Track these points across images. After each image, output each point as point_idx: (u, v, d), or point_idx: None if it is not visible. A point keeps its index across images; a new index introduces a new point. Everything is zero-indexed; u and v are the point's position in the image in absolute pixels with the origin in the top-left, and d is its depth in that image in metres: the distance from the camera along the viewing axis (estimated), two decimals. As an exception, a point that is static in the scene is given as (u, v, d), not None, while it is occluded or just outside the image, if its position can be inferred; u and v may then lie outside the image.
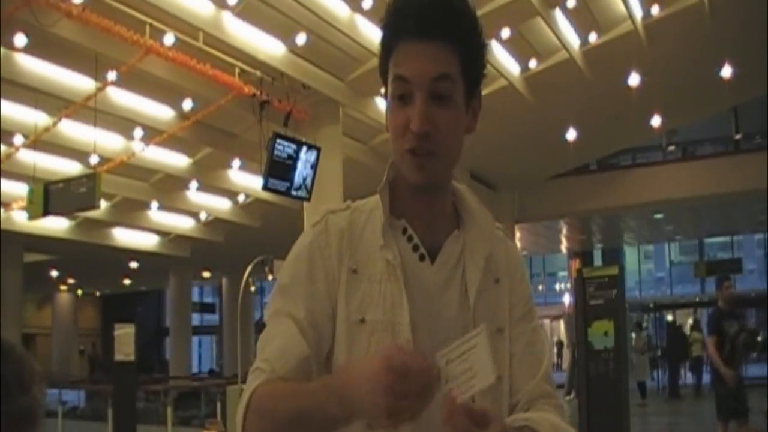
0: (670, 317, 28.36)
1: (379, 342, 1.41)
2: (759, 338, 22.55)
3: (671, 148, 18.99)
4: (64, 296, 29.59)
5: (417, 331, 1.41)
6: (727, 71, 11.52)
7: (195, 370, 28.78)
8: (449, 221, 1.52)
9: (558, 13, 10.28)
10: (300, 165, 10.19)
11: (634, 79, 11.15)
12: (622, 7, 10.28)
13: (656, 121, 13.53)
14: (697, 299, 27.82)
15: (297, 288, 1.46)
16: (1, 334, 1.29)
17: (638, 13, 10.67)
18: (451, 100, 1.39)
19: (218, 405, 13.78)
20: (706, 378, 19.77)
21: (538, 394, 1.50)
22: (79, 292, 29.95)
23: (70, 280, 26.96)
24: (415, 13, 1.39)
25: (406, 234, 1.48)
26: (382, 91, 1.43)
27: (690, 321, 24.70)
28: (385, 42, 1.44)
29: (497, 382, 1.42)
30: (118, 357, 11.47)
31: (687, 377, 21.02)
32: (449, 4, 1.39)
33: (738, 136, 18.49)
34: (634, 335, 19.88)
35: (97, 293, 32.73)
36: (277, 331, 1.43)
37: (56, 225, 14.85)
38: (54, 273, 23.78)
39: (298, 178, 10.24)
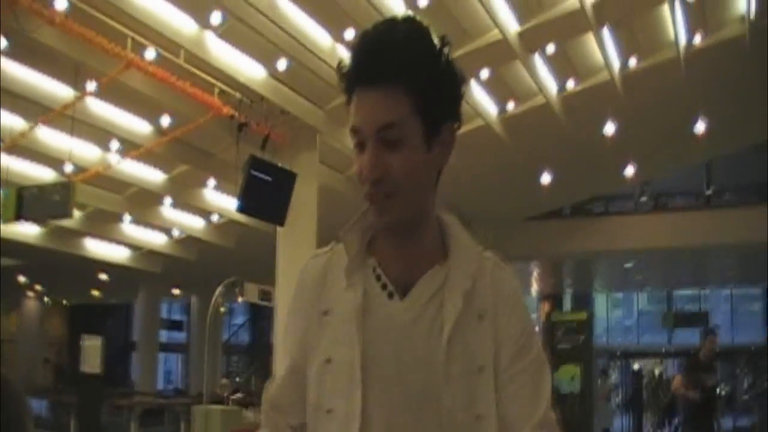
0: (636, 366, 28.45)
1: (338, 382, 1.45)
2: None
3: (643, 198, 19.19)
4: (31, 303, 29.24)
5: (372, 371, 1.43)
6: (700, 126, 11.69)
7: (160, 387, 28.52)
8: (430, 256, 1.50)
9: (537, 58, 10.44)
10: (278, 188, 10.23)
11: (609, 128, 11.30)
12: (600, 57, 10.45)
13: (630, 170, 13.68)
14: (664, 350, 27.94)
15: (289, 333, 1.58)
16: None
17: (616, 63, 10.84)
18: (404, 143, 1.40)
19: (182, 424, 13.70)
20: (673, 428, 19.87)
21: None
22: (47, 300, 29.67)
23: (38, 287, 26.71)
24: (360, 61, 1.41)
25: (375, 272, 1.50)
26: None
27: (657, 371, 24.81)
28: (344, 90, 1.46)
29: (476, 422, 1.44)
30: (85, 368, 11.40)
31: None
32: (391, 47, 1.39)
33: (709, 192, 18.74)
34: (599, 382, 19.92)
35: (65, 302, 32.38)
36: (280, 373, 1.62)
37: (27, 230, 14.77)
38: (22, 279, 23.57)
39: (274, 202, 10.28)
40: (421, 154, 1.43)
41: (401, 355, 1.44)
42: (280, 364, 1.64)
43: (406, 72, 1.39)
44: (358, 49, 1.43)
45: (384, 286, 1.48)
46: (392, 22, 1.43)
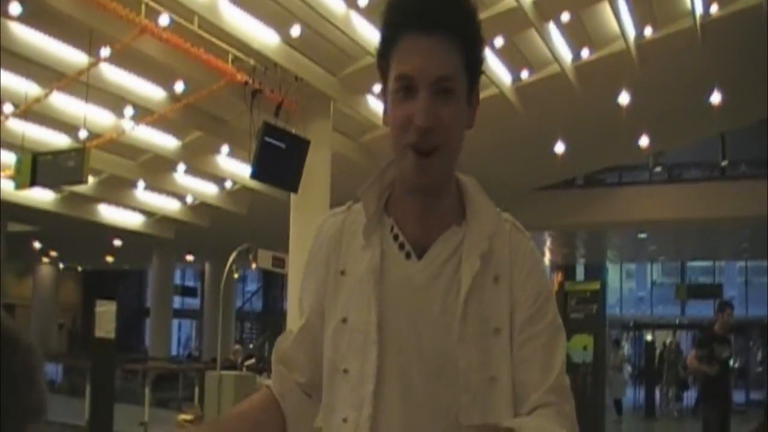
0: (649, 337, 28.50)
1: (353, 342, 1.45)
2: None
3: (657, 169, 19.11)
4: (45, 269, 29.50)
5: (387, 331, 1.43)
6: (716, 98, 11.59)
7: (174, 353, 28.80)
8: (449, 217, 1.49)
9: (552, 27, 10.36)
10: (291, 155, 10.26)
11: (624, 98, 11.23)
12: (615, 26, 10.37)
13: (644, 141, 13.62)
14: (677, 321, 27.94)
15: (304, 291, 1.59)
16: (5, 323, 1.18)
17: (631, 32, 10.75)
18: (455, 95, 1.39)
19: (196, 389, 13.82)
20: (688, 401, 19.96)
21: (540, 404, 1.44)
22: (61, 266, 29.89)
23: (53, 253, 26.89)
24: (417, 7, 1.38)
25: (393, 231, 1.49)
26: (375, 88, 1.47)
27: (668, 341, 24.84)
28: (385, 36, 1.43)
29: (490, 384, 1.43)
30: (99, 334, 11.50)
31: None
32: None
33: (724, 163, 18.64)
34: (612, 352, 19.97)
35: (79, 268, 32.63)
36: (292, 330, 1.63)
37: (41, 196, 14.84)
38: (36, 245, 23.73)
39: (287, 169, 10.30)
40: (464, 110, 1.44)
41: (418, 316, 1.44)
42: (294, 323, 1.65)
43: (462, 25, 1.40)
44: None
45: (401, 246, 1.48)
46: None
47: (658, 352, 22.79)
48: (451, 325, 1.43)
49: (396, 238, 1.48)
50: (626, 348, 27.58)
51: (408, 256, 1.47)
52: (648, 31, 10.84)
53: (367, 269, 1.46)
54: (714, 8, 10.49)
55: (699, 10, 10.36)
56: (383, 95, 1.47)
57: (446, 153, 1.40)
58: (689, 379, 19.25)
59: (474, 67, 1.43)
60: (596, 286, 14.79)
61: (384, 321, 1.43)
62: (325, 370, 1.51)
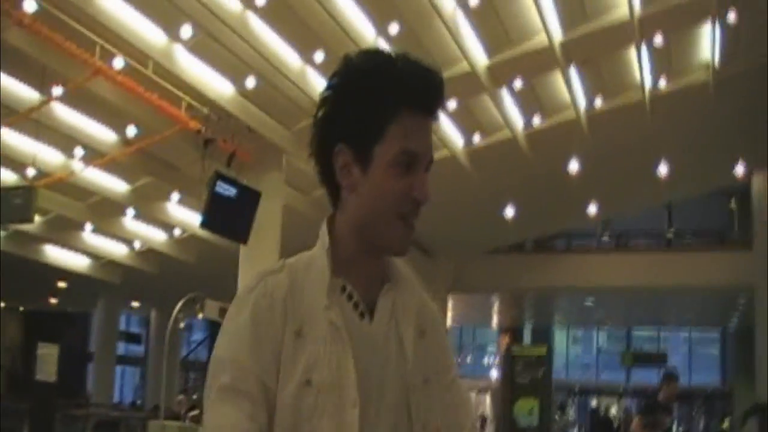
0: (594, 402, 28.58)
1: (326, 402, 1.42)
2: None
3: (605, 237, 19.37)
4: (-14, 307, 28.80)
5: (363, 390, 1.42)
6: (663, 169, 11.83)
7: (116, 400, 28.17)
8: (382, 275, 1.52)
9: (505, 92, 10.54)
10: (242, 206, 10.24)
11: (573, 166, 11.41)
12: (566, 95, 10.59)
13: (593, 209, 13.79)
14: (622, 388, 28.10)
15: (244, 359, 1.43)
16: None
17: (582, 102, 10.98)
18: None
19: (138, 439, 13.54)
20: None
21: None
22: (2, 305, 29.21)
23: (-6, 292, 26.31)
24: (425, 86, 1.42)
25: (346, 292, 1.48)
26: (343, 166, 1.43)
27: (614, 409, 24.94)
28: (383, 104, 1.42)
29: (425, 431, 1.47)
30: (40, 376, 11.25)
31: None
32: (441, 80, 1.44)
33: (670, 233, 18.96)
34: (557, 416, 19.97)
35: (21, 308, 31.91)
36: (229, 415, 1.41)
37: (-16, 233, 14.61)
38: (-22, 282, 23.21)
39: (237, 219, 10.26)
40: None
41: (381, 374, 1.46)
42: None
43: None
44: (415, 73, 1.42)
45: (356, 306, 1.47)
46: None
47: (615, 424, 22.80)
48: (402, 380, 1.47)
49: (350, 297, 1.49)
50: (571, 413, 27.62)
51: (362, 316, 1.47)
52: (598, 102, 11.10)
53: (334, 329, 1.43)
54: (663, 82, 10.77)
55: (648, 83, 10.63)
56: (358, 155, 1.43)
57: None
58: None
59: None
60: (543, 350, 14.82)
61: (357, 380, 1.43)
62: None
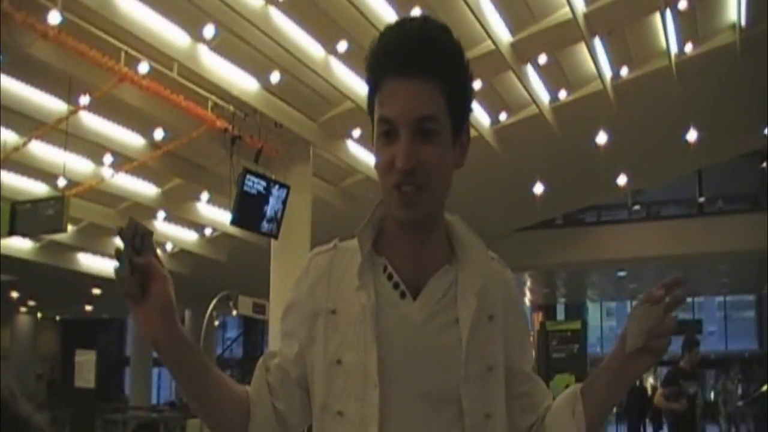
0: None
1: (350, 384, 1.43)
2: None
3: (636, 207, 19.24)
4: (23, 318, 29.09)
5: (387, 373, 1.42)
6: (692, 135, 11.75)
7: (154, 401, 28.41)
8: (440, 256, 1.49)
9: (529, 69, 10.47)
10: (272, 201, 10.28)
11: (601, 138, 11.37)
12: (592, 67, 10.49)
13: (622, 180, 13.73)
14: (658, 359, 28.03)
15: (289, 330, 1.55)
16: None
17: (608, 73, 10.89)
18: (438, 135, 1.39)
19: (178, 438, 13.67)
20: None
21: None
22: (39, 315, 29.52)
23: (31, 303, 26.57)
24: (398, 50, 1.39)
25: (387, 272, 1.48)
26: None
27: (650, 380, 24.80)
28: (369, 81, 1.44)
29: (485, 421, 1.45)
30: (78, 383, 11.37)
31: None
32: (433, 41, 1.39)
33: (701, 200, 18.81)
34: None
35: (57, 317, 32.24)
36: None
37: (19, 245, 14.71)
38: (14, 294, 23.45)
39: (267, 215, 10.31)
40: (449, 151, 1.44)
41: (416, 357, 1.43)
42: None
43: (445, 68, 1.40)
44: (395, 38, 1.41)
45: (396, 286, 1.47)
46: (423, 18, 1.44)
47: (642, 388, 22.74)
48: (450, 366, 1.43)
49: (390, 277, 1.47)
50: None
51: (402, 296, 1.46)
52: (624, 71, 10.99)
53: (361, 311, 1.44)
54: (689, 47, 10.66)
55: (674, 49, 10.52)
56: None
57: (430, 192, 1.41)
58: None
59: (459, 109, 1.44)
60: (577, 325, 14.80)
61: (383, 362, 1.42)
62: (316, 410, 1.49)
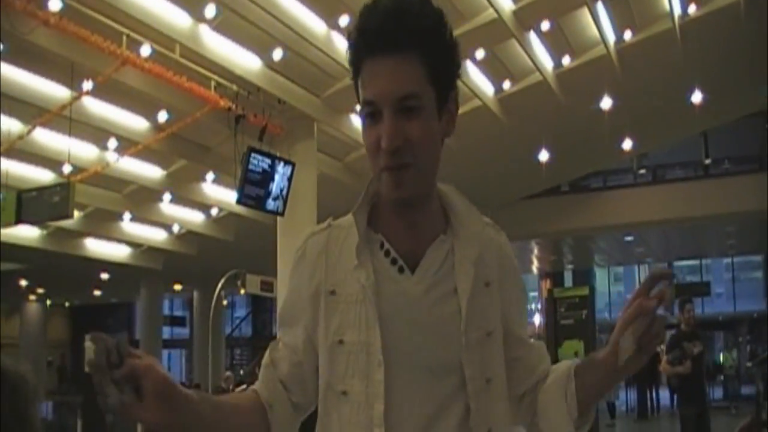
0: (639, 339, 28.53)
1: (353, 363, 1.44)
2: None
3: (642, 171, 19.18)
4: (32, 306, 29.20)
5: (391, 350, 1.42)
6: (697, 97, 11.71)
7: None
8: (435, 226, 1.50)
9: (532, 36, 10.41)
10: (277, 178, 10.27)
11: (606, 103, 11.32)
12: (595, 32, 10.42)
13: (627, 144, 13.69)
14: (667, 321, 28.06)
15: (289, 318, 1.55)
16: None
17: (611, 37, 10.82)
18: (421, 111, 1.39)
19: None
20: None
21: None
22: (48, 302, 29.62)
23: (40, 290, 26.65)
24: (372, 30, 1.38)
25: (384, 248, 1.48)
26: (358, 107, 1.45)
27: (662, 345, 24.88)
28: (351, 62, 1.44)
29: (486, 386, 1.46)
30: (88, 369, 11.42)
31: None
32: (406, 13, 1.37)
33: (707, 161, 18.74)
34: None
35: (66, 304, 32.36)
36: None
37: (27, 234, 14.72)
38: (23, 283, 23.51)
39: (273, 192, 10.30)
40: (435, 122, 1.43)
41: (418, 330, 1.43)
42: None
43: (422, 39, 1.38)
44: (369, 17, 1.40)
45: (394, 261, 1.47)
46: None
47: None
48: (451, 335, 1.43)
49: (387, 253, 1.48)
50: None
51: (401, 270, 1.47)
52: (628, 35, 10.92)
53: (361, 290, 1.44)
54: (692, 8, 10.57)
55: (677, 11, 10.44)
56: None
57: (418, 168, 1.41)
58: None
59: (442, 78, 1.42)
60: (585, 291, 14.81)
61: (386, 340, 1.42)
62: (320, 392, 1.50)
